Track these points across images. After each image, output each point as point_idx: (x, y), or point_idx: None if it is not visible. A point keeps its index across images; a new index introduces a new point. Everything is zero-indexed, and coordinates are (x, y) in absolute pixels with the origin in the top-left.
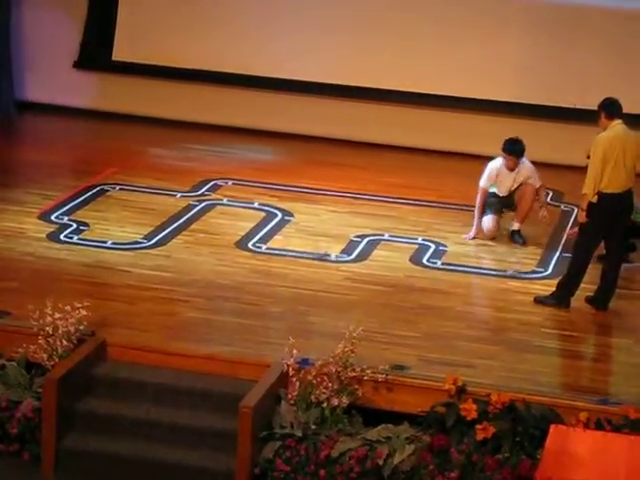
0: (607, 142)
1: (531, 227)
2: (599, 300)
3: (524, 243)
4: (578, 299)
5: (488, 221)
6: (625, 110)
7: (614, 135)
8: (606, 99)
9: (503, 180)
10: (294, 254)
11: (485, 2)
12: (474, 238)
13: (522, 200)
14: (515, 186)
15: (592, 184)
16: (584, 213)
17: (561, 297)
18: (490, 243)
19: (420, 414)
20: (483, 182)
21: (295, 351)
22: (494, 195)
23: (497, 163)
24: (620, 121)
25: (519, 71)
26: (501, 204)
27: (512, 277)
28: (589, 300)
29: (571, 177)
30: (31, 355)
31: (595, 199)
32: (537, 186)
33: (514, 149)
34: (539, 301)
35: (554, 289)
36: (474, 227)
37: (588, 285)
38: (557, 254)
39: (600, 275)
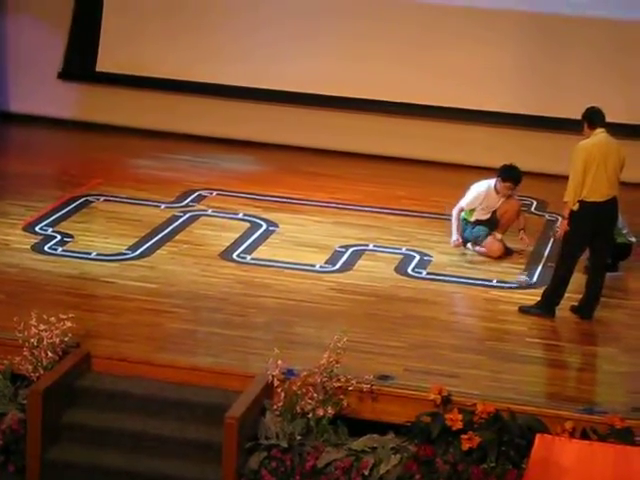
0: (586, 150)
1: (516, 237)
2: (584, 309)
3: (509, 253)
4: (563, 308)
5: (491, 242)
6: (615, 120)
7: (593, 143)
8: (588, 108)
9: (489, 203)
10: (279, 265)
11: (475, 13)
12: (458, 242)
13: (508, 212)
14: (497, 205)
15: (572, 192)
16: (566, 221)
17: (546, 306)
18: (474, 253)
19: (405, 424)
20: (465, 204)
21: (280, 362)
22: (478, 222)
23: (483, 187)
24: (603, 130)
25: (506, 81)
26: (489, 227)
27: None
28: (574, 309)
29: (556, 186)
30: (16, 367)
31: (576, 207)
32: (519, 203)
33: (514, 178)
34: (524, 310)
35: (539, 298)
36: (455, 232)
37: (573, 294)
38: (541, 264)
39: (585, 284)
